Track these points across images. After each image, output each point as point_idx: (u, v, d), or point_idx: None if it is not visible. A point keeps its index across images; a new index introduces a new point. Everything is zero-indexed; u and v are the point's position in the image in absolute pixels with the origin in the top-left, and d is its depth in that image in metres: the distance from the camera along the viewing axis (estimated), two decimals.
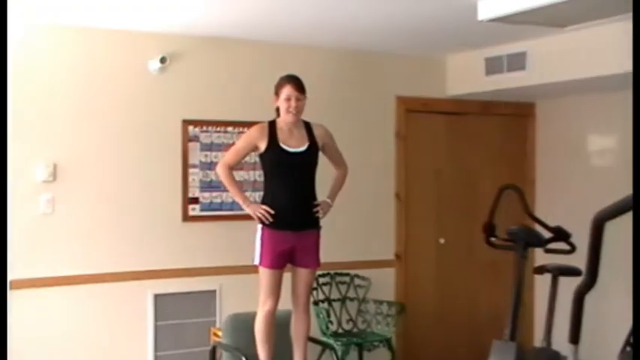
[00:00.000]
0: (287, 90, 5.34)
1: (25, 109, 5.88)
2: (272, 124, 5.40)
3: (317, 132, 5.48)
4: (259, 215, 5.27)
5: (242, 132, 6.49)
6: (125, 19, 5.89)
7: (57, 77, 6.05)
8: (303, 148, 5.38)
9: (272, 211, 5.29)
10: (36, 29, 5.94)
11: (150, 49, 6.29)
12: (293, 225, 5.31)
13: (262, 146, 5.33)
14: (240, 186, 5.59)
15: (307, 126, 5.49)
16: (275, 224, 5.27)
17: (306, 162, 5.40)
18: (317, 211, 5.43)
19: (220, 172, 5.45)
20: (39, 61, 5.99)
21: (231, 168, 5.49)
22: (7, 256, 4.98)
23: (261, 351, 5.34)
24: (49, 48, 6.03)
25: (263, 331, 5.33)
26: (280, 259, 5.31)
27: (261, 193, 6.08)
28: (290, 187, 5.36)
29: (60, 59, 6.07)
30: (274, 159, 5.33)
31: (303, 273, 5.43)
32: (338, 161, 5.64)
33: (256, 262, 5.35)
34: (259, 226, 5.34)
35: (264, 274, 5.31)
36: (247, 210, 5.37)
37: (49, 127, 6.04)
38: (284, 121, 5.37)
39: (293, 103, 5.31)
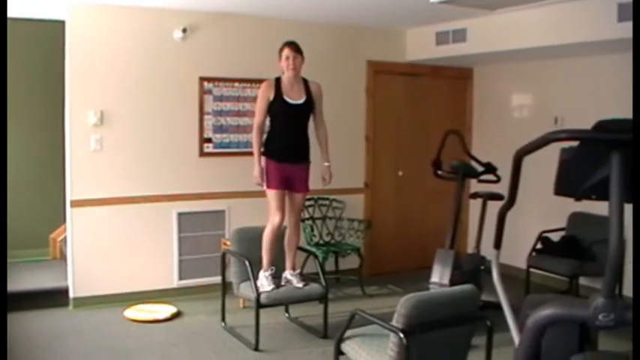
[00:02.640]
0: (286, 51, 5.54)
1: (80, 70, 6.04)
2: (278, 80, 5.56)
3: (313, 88, 5.65)
4: (255, 179, 5.50)
5: (246, 87, 6.75)
6: None
7: (102, 45, 6.17)
8: (301, 101, 5.56)
9: (263, 185, 5.51)
10: (85, 7, 6.03)
11: (174, 22, 6.40)
12: (289, 159, 5.54)
13: (271, 96, 5.50)
14: (260, 148, 5.54)
15: (305, 82, 5.65)
16: (276, 157, 5.51)
17: (303, 112, 5.61)
18: (308, 149, 5.61)
19: (254, 134, 5.55)
20: (88, 33, 6.10)
21: (262, 125, 5.56)
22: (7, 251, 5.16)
23: (265, 255, 5.56)
24: (95, 22, 6.13)
25: (269, 240, 5.54)
26: (281, 183, 5.50)
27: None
28: (289, 130, 5.57)
29: (104, 31, 6.17)
30: (278, 108, 5.50)
31: (297, 196, 5.65)
32: (319, 120, 5.74)
33: (265, 187, 5.55)
34: (264, 158, 5.54)
35: (271, 194, 5.51)
36: (255, 169, 5.49)
37: (97, 83, 6.16)
38: (286, 77, 5.54)
39: (291, 61, 5.50)
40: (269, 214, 5.57)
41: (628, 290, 6.45)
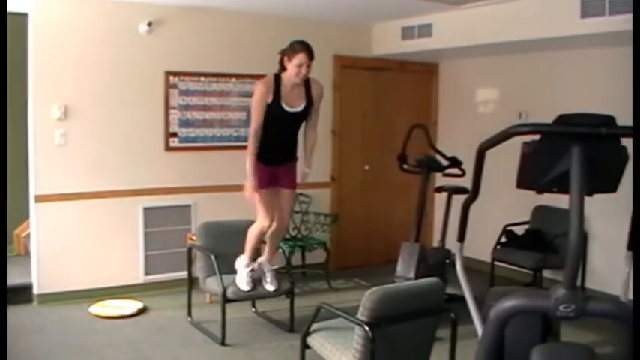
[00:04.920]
0: (301, 57, 4.96)
1: (43, 64, 5.95)
2: (277, 78, 5.06)
3: (315, 92, 5.17)
4: (247, 193, 5.09)
5: (212, 81, 6.74)
6: None
7: (66, 39, 6.08)
8: (299, 109, 5.10)
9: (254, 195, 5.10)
10: (50, 0, 5.94)
11: (139, 15, 6.33)
12: (277, 162, 5.21)
13: (269, 99, 4.99)
14: (256, 156, 5.12)
15: (306, 83, 5.15)
16: (264, 161, 5.13)
17: (298, 119, 5.18)
18: (296, 148, 5.27)
19: (250, 141, 5.07)
20: (52, 27, 6.00)
21: (259, 131, 5.05)
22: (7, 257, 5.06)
23: (248, 248, 5.35)
24: (60, 15, 6.03)
25: (255, 236, 5.31)
26: (269, 182, 5.16)
27: (227, 130, 6.36)
28: (280, 135, 5.16)
29: (68, 24, 6.08)
30: (273, 115, 5.03)
31: (285, 193, 5.32)
32: (313, 123, 5.30)
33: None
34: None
35: (258, 198, 5.15)
36: (247, 180, 5.06)
37: (62, 77, 6.07)
38: (289, 79, 5.03)
39: (303, 70, 4.97)
40: (257, 214, 5.28)
41: (591, 282, 6.58)
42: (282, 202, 5.37)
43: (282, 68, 5.10)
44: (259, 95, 5.05)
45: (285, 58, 5.05)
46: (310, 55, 5.01)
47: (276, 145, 5.21)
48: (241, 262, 5.42)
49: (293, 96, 5.10)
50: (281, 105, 5.04)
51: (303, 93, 5.14)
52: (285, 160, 5.29)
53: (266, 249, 5.53)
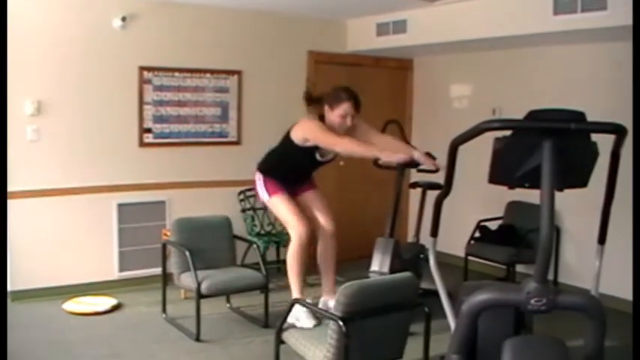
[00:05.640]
0: (347, 107, 4.55)
1: (16, 58, 5.82)
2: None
3: (355, 134, 4.67)
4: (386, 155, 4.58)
5: (186, 77, 6.71)
6: None
7: (39, 33, 6.01)
8: (329, 157, 4.78)
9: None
10: None
11: (113, 10, 6.29)
12: (292, 187, 4.88)
13: (308, 144, 4.57)
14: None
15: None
16: (279, 181, 4.80)
17: (324, 164, 4.84)
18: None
19: (354, 144, 4.48)
20: (26, 21, 5.93)
21: (339, 135, 4.55)
22: (7, 261, 5.06)
23: (296, 280, 4.75)
24: (32, 9, 5.96)
25: (296, 261, 4.71)
26: (285, 188, 4.76)
27: (202, 126, 6.30)
28: (297, 173, 4.86)
29: (41, 18, 6.02)
30: (299, 156, 4.67)
31: (310, 194, 4.89)
32: (369, 131, 4.88)
33: (266, 198, 4.87)
34: (260, 176, 4.87)
35: (278, 201, 4.75)
36: (375, 152, 4.55)
37: (34, 72, 6.02)
38: (329, 127, 4.58)
39: (348, 121, 4.57)
40: (287, 227, 4.82)
41: (563, 277, 6.65)
42: (314, 203, 4.91)
43: (321, 117, 4.64)
44: (317, 125, 4.52)
45: (327, 107, 4.61)
46: (357, 105, 4.58)
47: (293, 178, 4.89)
48: (297, 312, 4.41)
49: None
50: (314, 155, 4.69)
51: None
52: (301, 184, 4.98)
53: (323, 279, 5.08)
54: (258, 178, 4.90)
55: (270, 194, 4.81)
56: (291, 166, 4.81)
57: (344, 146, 4.45)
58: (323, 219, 4.88)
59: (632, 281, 3.40)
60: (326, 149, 4.63)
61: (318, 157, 4.70)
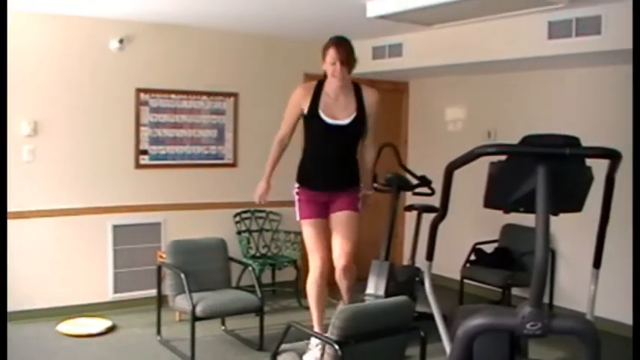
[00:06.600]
0: (332, 52, 4.25)
1: (13, 79, 5.81)
2: (319, 85, 4.39)
3: (368, 100, 4.44)
4: (257, 196, 4.59)
5: (182, 98, 6.72)
6: (92, 8, 5.86)
7: (36, 55, 6.05)
8: (346, 121, 4.35)
9: (264, 201, 4.55)
10: (21, 15, 5.88)
11: (110, 32, 6.31)
12: (325, 188, 4.53)
13: (305, 107, 4.35)
14: (274, 165, 4.58)
15: (357, 90, 4.44)
16: (309, 186, 4.53)
17: (349, 134, 4.40)
18: (354, 174, 4.56)
19: (272, 148, 4.54)
20: (23, 42, 5.94)
21: (286, 139, 4.50)
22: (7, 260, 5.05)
23: (316, 312, 4.68)
24: (30, 31, 6.00)
25: (315, 292, 4.61)
26: (317, 211, 4.50)
27: (198, 147, 6.29)
28: (328, 153, 4.44)
29: (38, 40, 6.05)
30: (314, 127, 4.38)
31: (340, 216, 4.53)
32: (369, 140, 4.61)
33: (297, 218, 4.66)
34: (296, 189, 4.63)
35: (305, 229, 4.57)
36: (259, 185, 4.59)
37: (31, 93, 6.03)
38: (330, 84, 4.35)
39: (337, 68, 4.24)
40: (308, 253, 4.66)
41: (559, 300, 6.64)
42: (337, 228, 4.58)
43: (326, 75, 4.39)
44: (292, 100, 4.44)
45: (322, 61, 4.36)
46: (341, 49, 4.25)
47: (324, 166, 4.50)
48: (312, 347, 4.40)
49: (338, 107, 4.38)
50: (320, 116, 4.33)
51: (354, 103, 4.41)
52: (338, 184, 4.55)
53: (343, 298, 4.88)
54: (296, 192, 4.65)
55: (301, 216, 4.62)
56: (316, 150, 4.46)
57: (275, 138, 4.54)
58: (337, 249, 4.60)
59: (631, 304, 3.37)
60: (329, 108, 4.36)
61: (324, 117, 4.33)
